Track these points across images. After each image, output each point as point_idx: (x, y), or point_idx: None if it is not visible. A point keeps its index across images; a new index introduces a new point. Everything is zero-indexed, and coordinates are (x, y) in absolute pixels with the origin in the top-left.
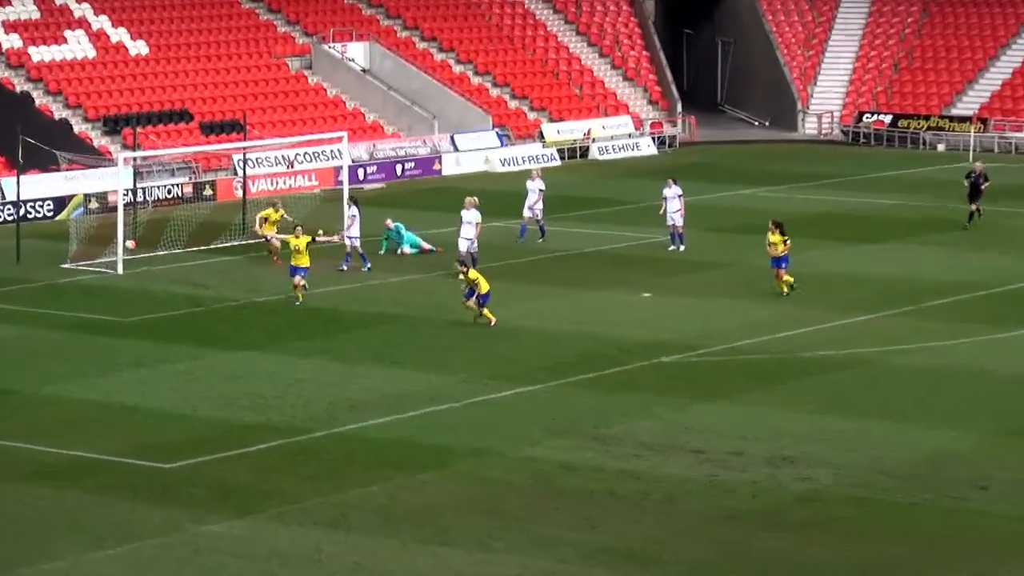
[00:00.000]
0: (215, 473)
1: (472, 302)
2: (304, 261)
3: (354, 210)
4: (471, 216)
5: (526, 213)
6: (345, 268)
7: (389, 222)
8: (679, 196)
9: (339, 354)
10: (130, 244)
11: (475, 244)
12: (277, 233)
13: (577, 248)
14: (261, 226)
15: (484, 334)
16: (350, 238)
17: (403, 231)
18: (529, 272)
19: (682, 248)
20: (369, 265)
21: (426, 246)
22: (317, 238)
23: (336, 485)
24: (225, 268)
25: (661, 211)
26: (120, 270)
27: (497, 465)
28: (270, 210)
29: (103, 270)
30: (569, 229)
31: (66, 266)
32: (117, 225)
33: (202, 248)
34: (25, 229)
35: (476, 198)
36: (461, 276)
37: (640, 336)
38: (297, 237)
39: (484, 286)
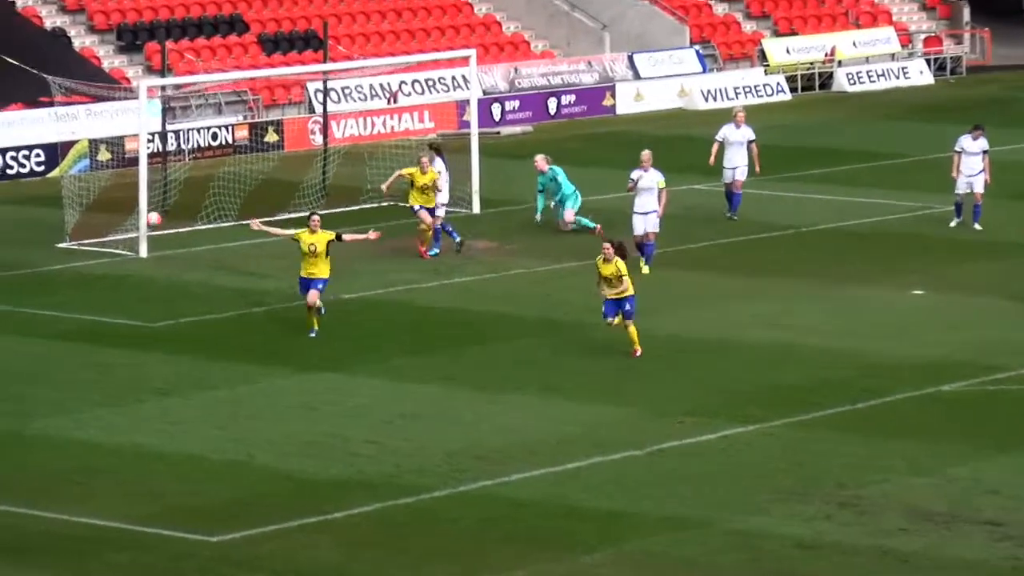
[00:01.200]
0: (282, 550)
1: (618, 319)
2: (323, 270)
3: (439, 164)
4: (651, 179)
5: (728, 176)
6: (437, 251)
7: (541, 161)
8: (984, 152)
9: (461, 377)
10: (154, 219)
11: (658, 222)
12: (313, 224)
13: (811, 223)
14: (389, 187)
15: (672, 350)
16: (441, 205)
17: (563, 179)
18: (737, 259)
19: (977, 226)
20: (436, 250)
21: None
22: (344, 236)
23: (464, 569)
24: (295, 250)
25: (954, 171)
26: (143, 251)
27: (699, 542)
28: (414, 169)
29: (117, 251)
30: (800, 195)
31: (63, 246)
32: (138, 186)
33: (262, 221)
34: (2, 191)
35: (648, 151)
36: (605, 261)
37: (909, 353)
38: (313, 232)
39: (630, 288)
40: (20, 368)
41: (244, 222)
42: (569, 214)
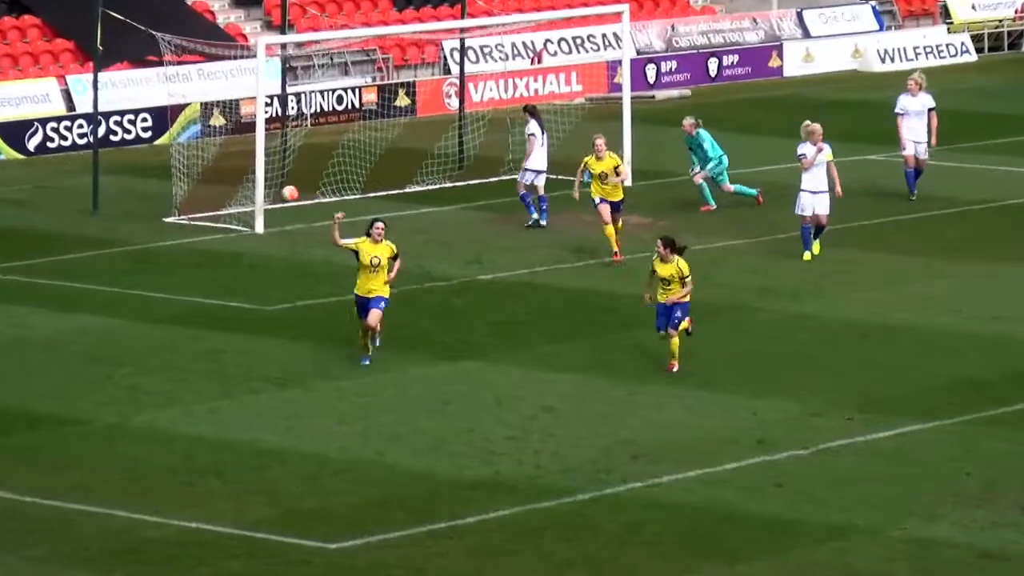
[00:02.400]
0: (409, 558)
1: (675, 331)
2: (384, 287)
3: (532, 126)
4: (822, 154)
5: (909, 149)
6: (542, 221)
7: (688, 123)
8: None
9: (610, 367)
10: (288, 192)
11: (829, 203)
12: (376, 232)
13: (998, 197)
14: (579, 188)
15: (841, 337)
16: (527, 172)
17: (709, 144)
18: (914, 237)
19: None
20: (536, 217)
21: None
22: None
23: None
24: (428, 225)
25: None
26: (259, 226)
27: (869, 551)
28: (589, 157)
29: (231, 227)
30: (986, 166)
31: (171, 220)
32: (256, 155)
33: (392, 193)
34: (107, 159)
35: (819, 126)
36: (662, 261)
37: None
38: (376, 242)
39: (679, 290)
40: (125, 355)
41: (372, 194)
42: (730, 186)
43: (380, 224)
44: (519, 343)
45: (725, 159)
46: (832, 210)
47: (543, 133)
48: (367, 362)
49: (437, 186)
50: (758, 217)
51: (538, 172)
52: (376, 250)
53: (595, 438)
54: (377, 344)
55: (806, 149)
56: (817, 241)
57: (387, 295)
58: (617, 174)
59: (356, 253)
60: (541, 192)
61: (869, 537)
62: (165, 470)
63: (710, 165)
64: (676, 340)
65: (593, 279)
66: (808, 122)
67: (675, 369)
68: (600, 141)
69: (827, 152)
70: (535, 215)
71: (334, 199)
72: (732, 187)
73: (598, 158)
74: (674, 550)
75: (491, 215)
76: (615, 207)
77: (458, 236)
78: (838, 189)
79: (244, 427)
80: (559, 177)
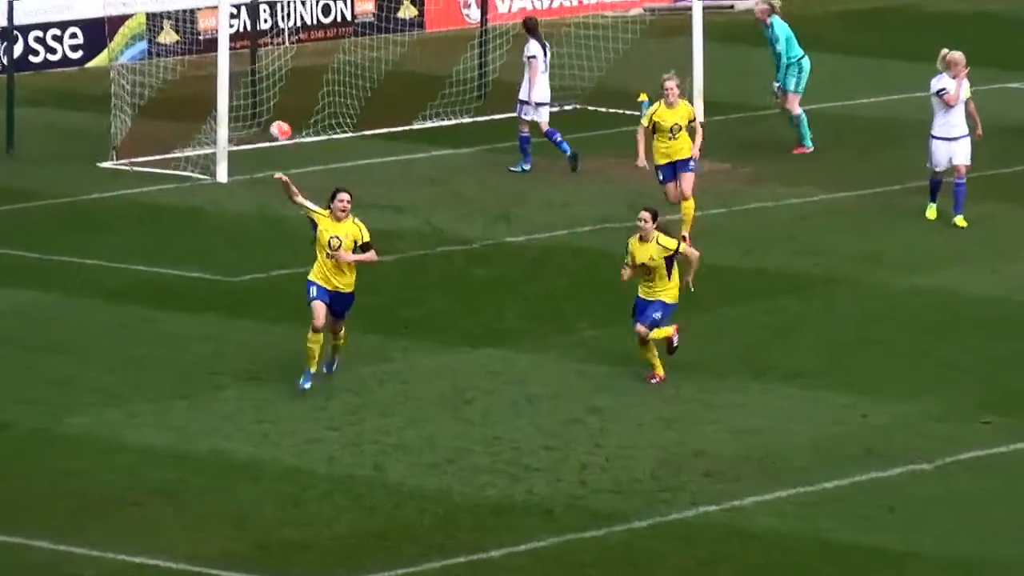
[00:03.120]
0: None
1: (647, 330)
2: (349, 280)
3: (533, 46)
4: (962, 90)
5: None
6: (526, 167)
7: (762, 9)
8: None
9: (676, 357)
10: (277, 129)
11: (967, 150)
12: (338, 205)
13: None
14: (645, 151)
15: (976, 319)
16: (527, 105)
17: (785, 41)
18: None
19: None
20: (526, 166)
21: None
22: (368, 246)
23: None
24: (441, 172)
25: None
26: (221, 174)
27: None
28: (656, 105)
29: (186, 174)
30: None
31: (109, 164)
32: (217, 81)
33: (394, 130)
34: (24, 86)
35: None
36: (641, 240)
37: None
38: (338, 220)
39: (672, 289)
40: (54, 340)
41: (369, 132)
42: (793, 102)
43: (344, 196)
44: (557, 326)
45: (807, 63)
46: (973, 158)
47: (546, 56)
48: (307, 384)
49: (452, 121)
50: (867, 162)
51: (540, 105)
52: (337, 229)
53: (655, 449)
54: (335, 366)
55: (946, 83)
56: (959, 216)
57: (352, 291)
58: (692, 129)
59: (314, 225)
60: (545, 127)
61: (1005, 574)
62: (104, 488)
63: (789, 80)
64: (653, 347)
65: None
66: (946, 50)
67: (656, 381)
68: (672, 84)
69: (967, 88)
70: (568, 150)
71: (321, 138)
72: (799, 111)
73: (668, 104)
74: None
75: (519, 159)
76: (683, 167)
77: (479, 187)
78: (979, 131)
79: (206, 434)
80: (611, 111)
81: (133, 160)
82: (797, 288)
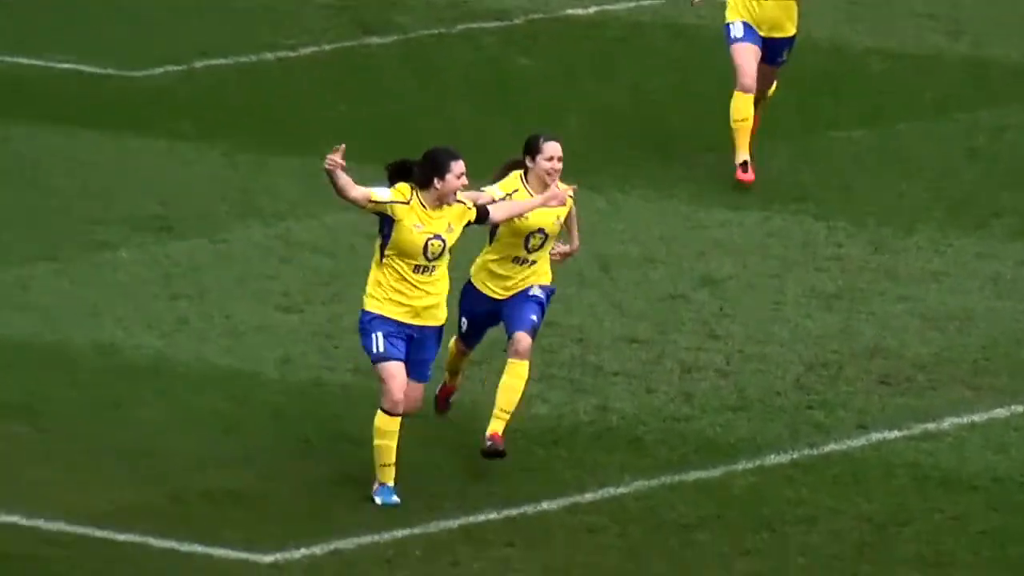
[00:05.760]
0: None
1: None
2: (440, 302)
3: None
4: None
5: None
6: None
7: None
8: None
9: None
10: None
11: None
12: (453, 181)
13: None
14: None
15: None
16: None
17: None
18: None
19: None
20: None
21: None
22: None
23: None
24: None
25: None
26: None
27: None
28: None
29: None
30: None
31: None
32: None
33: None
34: None
35: None
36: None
37: None
38: (440, 206)
39: (544, 271)
40: None
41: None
42: None
43: (461, 165)
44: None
45: None
46: None
47: None
48: (394, 499)
49: None
50: None
51: None
52: (435, 223)
53: (802, 343)
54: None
55: None
56: None
57: (442, 324)
58: None
59: (388, 221)
60: None
61: None
62: None
63: None
64: (519, 371)
65: None
66: None
67: (495, 446)
68: None
69: None
70: None
71: None
72: None
73: None
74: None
75: None
76: (776, 49)
77: None
78: None
79: (77, 320)
80: None
81: None
82: None
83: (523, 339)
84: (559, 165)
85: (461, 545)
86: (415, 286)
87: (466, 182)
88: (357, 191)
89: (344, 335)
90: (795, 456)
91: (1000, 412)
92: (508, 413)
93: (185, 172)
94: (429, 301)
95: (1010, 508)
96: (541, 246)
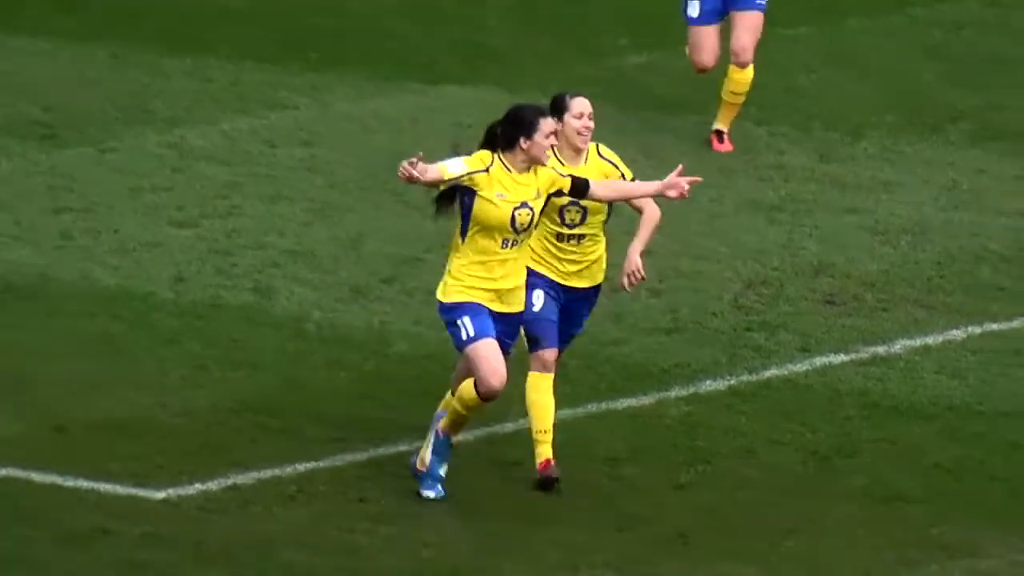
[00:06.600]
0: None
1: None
2: (523, 282)
3: None
4: None
5: None
6: None
7: None
8: None
9: None
10: None
11: None
12: (538, 142)
13: None
14: None
15: None
16: None
17: None
18: None
19: None
20: None
21: None
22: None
23: None
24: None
25: None
26: None
27: None
28: None
29: None
30: None
31: None
32: None
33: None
34: None
35: None
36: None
37: None
38: (527, 167)
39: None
40: None
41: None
42: None
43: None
44: None
45: None
46: None
47: None
48: (440, 493)
49: None
50: None
51: None
52: (522, 189)
53: (742, 256)
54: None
55: None
56: None
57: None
58: None
59: (468, 193)
60: None
61: None
62: None
63: None
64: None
65: None
66: None
67: (553, 472)
68: None
69: None
70: None
71: None
72: None
73: None
74: None
75: None
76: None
77: None
78: None
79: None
80: None
81: None
82: None
83: (551, 354)
84: (591, 123)
85: (370, 479)
86: (501, 263)
87: (555, 141)
88: (431, 174)
89: (243, 251)
90: (733, 382)
91: (956, 334)
92: (548, 432)
93: (71, 75)
94: (516, 281)
95: (966, 439)
96: (582, 220)
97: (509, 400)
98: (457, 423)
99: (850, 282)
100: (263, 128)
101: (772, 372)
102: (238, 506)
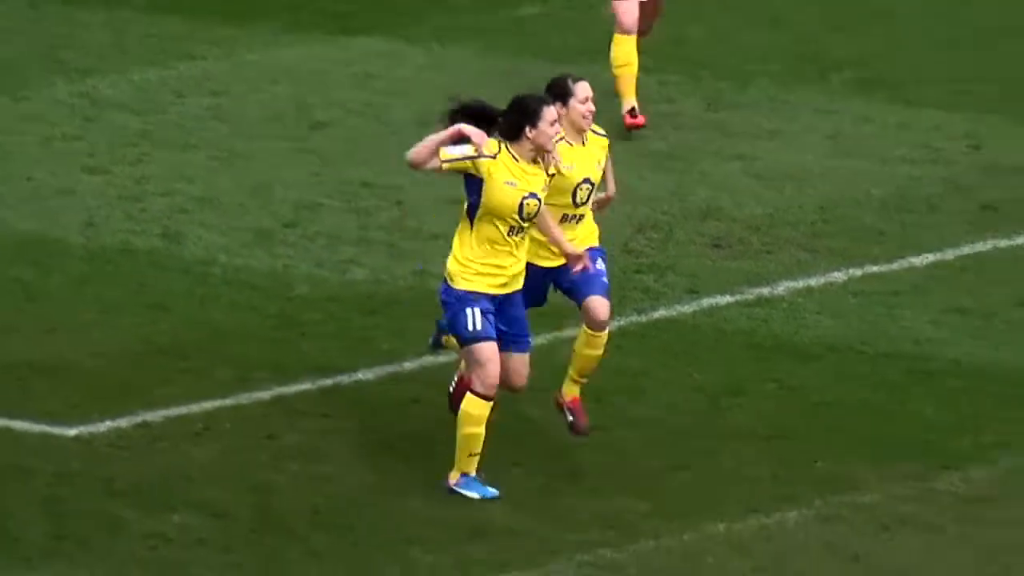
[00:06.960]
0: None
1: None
2: (522, 268)
3: None
4: None
5: None
6: None
7: None
8: None
9: None
10: None
11: None
12: (547, 117)
13: None
14: None
15: None
16: None
17: None
18: None
19: None
20: None
21: None
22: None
23: None
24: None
25: None
26: None
27: None
28: None
29: None
30: None
31: None
32: None
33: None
34: None
35: None
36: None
37: None
38: (539, 159)
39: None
40: None
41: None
42: None
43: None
44: None
45: None
46: None
47: None
48: (492, 492)
49: None
50: None
51: None
52: (532, 180)
53: (634, 201)
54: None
55: None
56: None
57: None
58: None
59: (471, 181)
60: None
61: None
62: None
63: None
64: (595, 355)
65: None
66: None
67: (578, 423)
68: None
69: None
70: None
71: None
72: None
73: None
74: None
75: None
76: None
77: None
78: None
79: None
80: None
81: None
82: None
83: (602, 305)
84: (594, 107)
85: (275, 417)
86: (510, 252)
87: (559, 129)
88: (433, 160)
89: (151, 198)
90: (622, 323)
91: (838, 276)
92: (585, 379)
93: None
94: (521, 267)
95: (849, 378)
96: (588, 199)
97: (409, 338)
98: (467, 448)
99: (736, 226)
100: (172, 78)
101: (660, 313)
102: (147, 443)
